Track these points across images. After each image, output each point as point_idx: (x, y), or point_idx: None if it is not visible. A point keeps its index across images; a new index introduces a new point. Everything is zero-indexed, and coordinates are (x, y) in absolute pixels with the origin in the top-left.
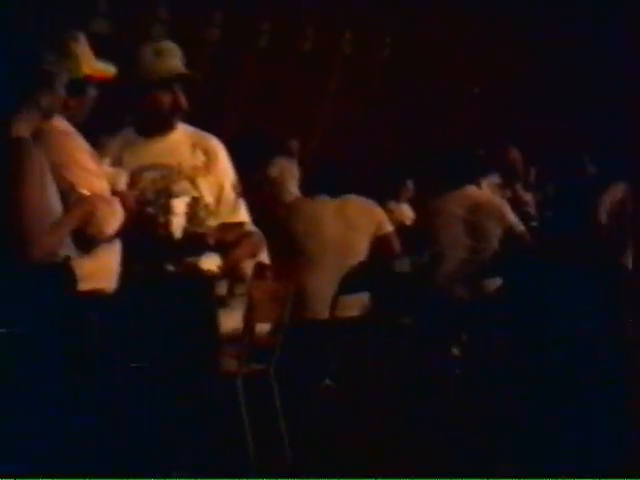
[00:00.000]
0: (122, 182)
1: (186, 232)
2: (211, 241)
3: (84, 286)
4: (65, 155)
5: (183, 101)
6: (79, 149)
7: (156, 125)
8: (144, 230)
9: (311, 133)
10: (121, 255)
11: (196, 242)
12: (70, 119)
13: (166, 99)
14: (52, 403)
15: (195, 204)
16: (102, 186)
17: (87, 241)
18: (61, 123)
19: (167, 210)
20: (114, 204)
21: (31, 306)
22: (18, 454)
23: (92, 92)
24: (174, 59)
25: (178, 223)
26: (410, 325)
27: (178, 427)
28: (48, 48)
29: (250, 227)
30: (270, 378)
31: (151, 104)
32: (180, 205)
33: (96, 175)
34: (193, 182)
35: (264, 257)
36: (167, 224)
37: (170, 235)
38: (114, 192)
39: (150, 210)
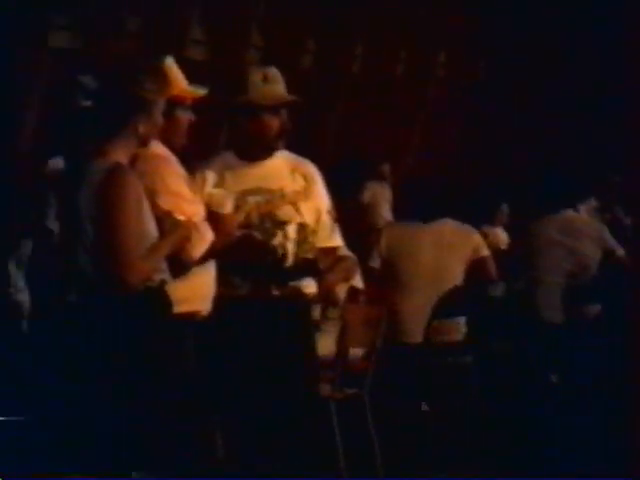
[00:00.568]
0: (229, 205)
1: (297, 257)
2: (321, 266)
3: (179, 309)
4: (159, 181)
5: (288, 126)
6: (172, 174)
7: (260, 149)
8: (252, 254)
9: (404, 157)
10: (220, 277)
11: (305, 267)
12: (166, 142)
13: (274, 124)
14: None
15: (302, 230)
16: (194, 211)
17: (180, 265)
18: (157, 148)
19: (283, 235)
20: (202, 229)
21: (128, 330)
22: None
23: (185, 115)
24: (280, 85)
25: (291, 248)
26: (506, 350)
27: (273, 450)
28: (146, 75)
29: (344, 251)
30: (364, 403)
31: (259, 129)
32: (293, 231)
33: (188, 200)
34: (296, 207)
35: (358, 281)
36: (281, 249)
37: (283, 260)
38: (219, 215)
39: (257, 234)
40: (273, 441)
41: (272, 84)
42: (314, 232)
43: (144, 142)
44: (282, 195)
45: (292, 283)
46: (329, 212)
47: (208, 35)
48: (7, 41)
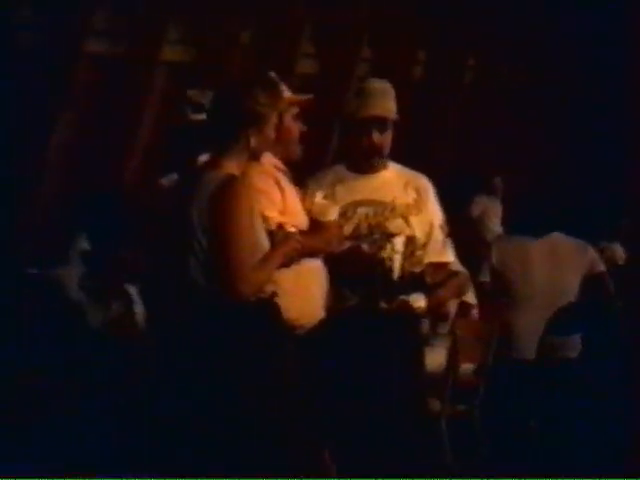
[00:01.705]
0: (332, 213)
1: (404, 271)
2: (429, 280)
3: (293, 321)
4: (263, 193)
5: (389, 140)
6: (285, 190)
7: (371, 163)
8: (360, 265)
9: (516, 170)
10: (330, 289)
11: (412, 281)
12: (279, 153)
13: (385, 138)
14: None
15: (412, 243)
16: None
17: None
18: (270, 160)
19: (391, 248)
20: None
21: (240, 341)
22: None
23: (296, 125)
24: (390, 99)
25: (398, 261)
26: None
27: (382, 466)
28: (259, 89)
29: (457, 267)
30: (474, 419)
31: (369, 142)
32: (400, 243)
33: (297, 214)
34: (406, 220)
35: (470, 297)
36: (389, 261)
37: (390, 273)
38: (323, 222)
39: (365, 246)
40: (382, 457)
41: (382, 98)
42: (423, 246)
43: (256, 155)
44: (393, 208)
45: (401, 297)
46: (441, 226)
47: (318, 49)
48: (120, 56)
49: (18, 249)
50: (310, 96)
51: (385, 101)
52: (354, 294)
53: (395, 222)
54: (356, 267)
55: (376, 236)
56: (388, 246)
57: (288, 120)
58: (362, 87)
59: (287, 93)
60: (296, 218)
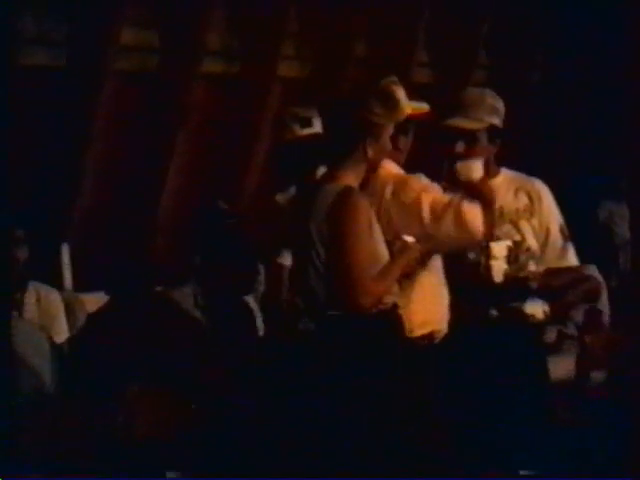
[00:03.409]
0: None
1: (508, 276)
2: (534, 285)
3: (417, 332)
4: (406, 200)
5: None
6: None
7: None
8: (467, 274)
9: None
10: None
11: (518, 286)
12: (401, 161)
13: (490, 147)
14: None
15: (516, 248)
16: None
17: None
18: (391, 166)
19: (487, 254)
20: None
21: (361, 353)
22: None
23: (409, 136)
24: (483, 109)
25: (499, 267)
26: None
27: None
28: (375, 99)
29: (590, 271)
30: (604, 431)
31: (473, 152)
32: (501, 249)
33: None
34: (516, 225)
35: (603, 303)
36: (487, 268)
37: (490, 279)
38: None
39: (471, 255)
40: (512, 462)
41: (471, 108)
42: (528, 250)
43: (373, 166)
44: (501, 214)
45: (514, 304)
46: (561, 231)
47: (434, 57)
48: (235, 75)
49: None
50: (427, 107)
51: (473, 111)
52: (466, 303)
53: (503, 228)
54: (464, 275)
55: (483, 244)
56: (489, 252)
57: (410, 134)
58: (459, 96)
59: (407, 103)
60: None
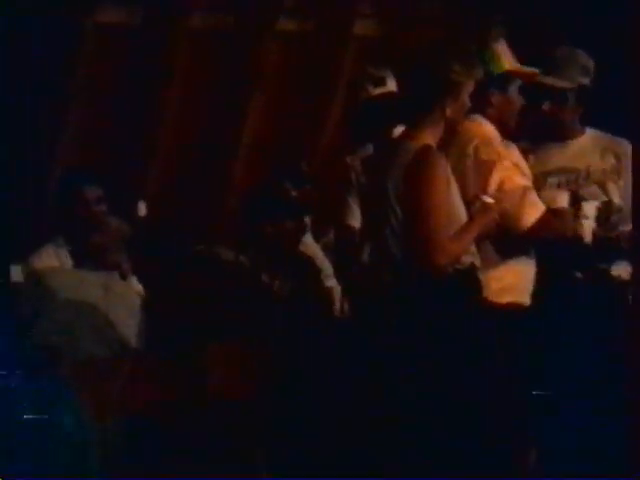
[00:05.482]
0: (563, 201)
1: (597, 237)
2: (624, 246)
3: (501, 299)
4: (485, 158)
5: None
6: (490, 151)
7: (562, 131)
8: (551, 233)
9: None
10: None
11: (608, 247)
12: (494, 117)
13: (570, 105)
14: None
15: (606, 208)
16: (524, 182)
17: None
18: (483, 125)
19: (577, 214)
20: (533, 197)
21: (438, 312)
22: None
23: (515, 93)
24: (574, 67)
25: (589, 227)
26: None
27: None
28: (455, 58)
29: None
30: None
31: (556, 111)
32: (591, 209)
33: (517, 173)
34: (603, 186)
35: None
36: (577, 228)
37: (580, 239)
38: (555, 210)
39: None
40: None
41: (562, 66)
42: (619, 211)
43: (452, 125)
44: (587, 175)
45: (601, 265)
46: None
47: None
48: (309, 32)
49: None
50: (534, 70)
51: (565, 70)
52: (550, 266)
53: (590, 189)
54: (548, 235)
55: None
56: (580, 212)
57: (511, 91)
58: (550, 54)
59: (514, 61)
60: (521, 177)
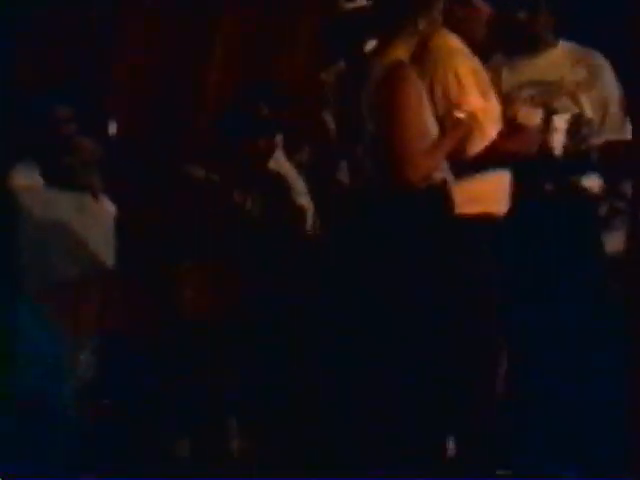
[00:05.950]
0: (536, 118)
1: (567, 150)
2: (594, 157)
3: (472, 209)
4: (447, 73)
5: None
6: (461, 66)
7: (534, 43)
8: (525, 148)
9: None
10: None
11: (578, 159)
12: (463, 34)
13: (541, 16)
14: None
15: (577, 121)
16: (481, 106)
17: (460, 164)
18: (450, 39)
19: (547, 127)
20: (484, 126)
21: (411, 228)
22: None
23: (484, 6)
24: None
25: (558, 140)
26: None
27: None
28: None
29: None
30: None
31: (533, 20)
32: (561, 122)
33: (475, 94)
34: (574, 98)
35: None
36: (547, 141)
37: (550, 152)
38: (525, 127)
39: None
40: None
41: None
42: (589, 123)
43: (425, 39)
44: (560, 87)
45: (571, 178)
46: (620, 104)
47: None
48: None
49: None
50: None
51: None
52: (520, 178)
53: (561, 101)
54: (516, 149)
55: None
56: (550, 125)
57: (475, 1)
58: None
59: None
60: (476, 99)
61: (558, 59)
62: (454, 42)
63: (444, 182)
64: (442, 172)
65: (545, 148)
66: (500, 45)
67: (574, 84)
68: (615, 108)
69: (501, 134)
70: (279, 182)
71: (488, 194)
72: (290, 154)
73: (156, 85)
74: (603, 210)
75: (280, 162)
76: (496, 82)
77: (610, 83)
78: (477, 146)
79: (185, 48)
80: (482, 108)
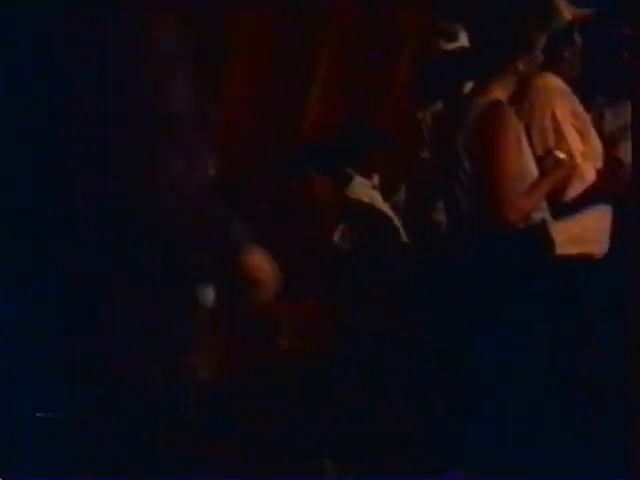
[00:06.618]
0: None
1: None
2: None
3: (571, 250)
4: (546, 115)
5: None
6: (563, 108)
7: None
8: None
9: None
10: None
11: None
12: (565, 73)
13: None
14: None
15: None
16: (580, 148)
17: (559, 205)
18: (550, 80)
19: None
20: (583, 169)
21: (508, 268)
22: None
23: (578, 39)
24: None
25: None
26: None
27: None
28: (530, 11)
29: None
30: None
31: None
32: None
33: (574, 136)
34: None
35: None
36: None
37: None
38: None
39: None
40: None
41: None
42: None
43: (524, 79)
44: None
45: None
46: None
47: None
48: None
49: None
50: (592, 10)
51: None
52: None
53: None
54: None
55: None
56: None
57: (577, 40)
58: None
59: (569, 6)
60: (577, 142)
61: None
62: (554, 82)
63: (543, 222)
64: (541, 212)
65: None
66: (603, 85)
67: None
68: None
69: (601, 174)
70: (381, 219)
71: (588, 234)
72: (387, 194)
73: (254, 127)
74: None
75: (377, 202)
76: (597, 123)
77: None
78: (576, 189)
79: (283, 84)
80: (580, 150)
